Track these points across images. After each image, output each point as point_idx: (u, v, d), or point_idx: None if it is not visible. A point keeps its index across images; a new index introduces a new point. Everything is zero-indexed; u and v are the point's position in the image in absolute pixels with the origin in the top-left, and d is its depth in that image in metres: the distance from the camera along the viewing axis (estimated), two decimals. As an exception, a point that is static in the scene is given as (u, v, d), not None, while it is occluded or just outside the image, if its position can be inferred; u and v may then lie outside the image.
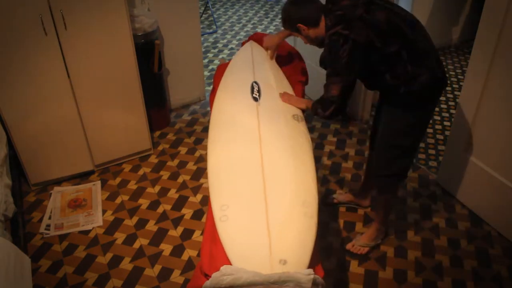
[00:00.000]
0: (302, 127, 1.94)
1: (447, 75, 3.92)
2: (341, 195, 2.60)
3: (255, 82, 2.11)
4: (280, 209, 1.55)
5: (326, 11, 1.85)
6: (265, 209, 1.56)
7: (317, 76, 2.63)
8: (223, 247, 1.47)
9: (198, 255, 2.28)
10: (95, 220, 2.51)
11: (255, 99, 2.02)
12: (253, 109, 1.97)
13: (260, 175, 1.69)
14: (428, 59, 1.85)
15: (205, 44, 4.56)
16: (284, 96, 2.07)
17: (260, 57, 2.29)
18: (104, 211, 2.58)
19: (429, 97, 1.92)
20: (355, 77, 1.85)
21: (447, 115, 3.41)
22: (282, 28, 2.11)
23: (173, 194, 2.70)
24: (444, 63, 4.13)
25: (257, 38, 2.46)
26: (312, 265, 1.43)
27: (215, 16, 5.26)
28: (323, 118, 1.94)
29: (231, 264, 1.41)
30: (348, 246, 2.30)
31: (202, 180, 2.79)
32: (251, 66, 2.25)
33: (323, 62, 1.93)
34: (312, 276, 1.34)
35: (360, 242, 2.29)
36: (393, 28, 1.79)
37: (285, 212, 1.56)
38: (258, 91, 2.07)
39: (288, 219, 1.54)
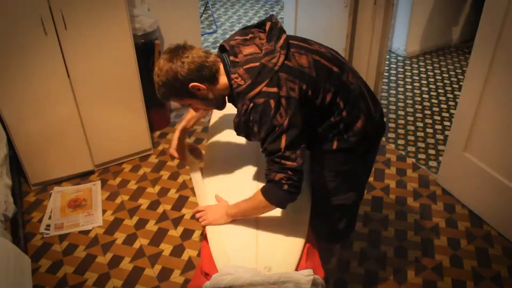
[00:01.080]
0: None
1: (445, 74, 3.94)
2: None
3: None
4: (271, 215, 1.54)
5: (226, 63, 1.46)
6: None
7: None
8: (210, 248, 1.47)
9: (198, 255, 2.28)
10: (95, 220, 2.51)
11: None
12: None
13: (256, 179, 1.69)
14: (364, 100, 1.57)
15: (205, 44, 4.56)
16: (206, 212, 1.60)
17: None
18: (104, 211, 2.57)
19: (366, 145, 1.63)
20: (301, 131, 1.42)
21: (447, 115, 3.41)
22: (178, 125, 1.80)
23: (173, 194, 2.69)
24: (444, 63, 4.14)
25: None
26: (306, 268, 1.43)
27: (215, 16, 5.26)
28: (280, 205, 1.46)
29: (215, 266, 1.41)
30: None
31: (202, 180, 2.79)
32: None
33: (241, 131, 1.49)
34: (311, 277, 1.34)
35: None
36: (322, 71, 1.47)
37: (276, 218, 1.56)
38: None
39: (278, 226, 1.54)
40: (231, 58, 1.45)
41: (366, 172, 1.78)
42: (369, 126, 1.57)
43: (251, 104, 1.38)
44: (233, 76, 1.42)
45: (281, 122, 1.36)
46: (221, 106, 1.55)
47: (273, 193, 1.42)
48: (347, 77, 1.53)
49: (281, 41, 1.43)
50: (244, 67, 1.41)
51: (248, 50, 1.44)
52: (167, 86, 1.42)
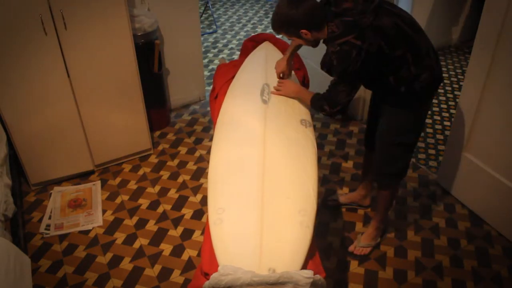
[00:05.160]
0: (309, 132, 1.92)
1: (445, 74, 3.94)
2: (341, 196, 2.59)
3: (266, 84, 2.10)
4: (276, 216, 1.54)
5: (330, 15, 1.79)
6: (260, 216, 1.55)
7: (316, 74, 2.64)
8: (214, 251, 1.47)
9: (198, 255, 2.28)
10: (95, 220, 2.51)
11: (264, 102, 2.01)
12: (261, 111, 1.95)
13: (260, 180, 1.68)
14: (429, 58, 1.86)
15: (205, 44, 4.56)
16: (284, 85, 2.07)
17: (274, 59, 2.26)
18: (104, 211, 2.58)
19: (428, 95, 1.94)
20: (362, 81, 1.92)
21: (447, 115, 3.41)
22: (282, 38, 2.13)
23: (173, 194, 2.70)
24: (444, 63, 4.14)
25: (263, 39, 2.50)
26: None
27: (215, 16, 5.26)
28: (326, 115, 1.98)
29: (215, 266, 1.41)
30: (351, 249, 2.29)
31: (202, 180, 2.79)
32: (264, 67, 2.24)
33: (325, 66, 1.87)
34: (311, 280, 1.33)
35: (361, 243, 2.28)
36: (400, 32, 1.77)
37: (281, 220, 1.55)
38: (269, 93, 2.06)
39: (283, 227, 1.53)
40: (333, 8, 1.79)
41: (422, 117, 2.02)
42: (431, 79, 1.87)
43: (338, 48, 1.74)
44: (330, 24, 1.78)
45: (353, 69, 1.73)
46: (315, 45, 1.91)
47: (324, 100, 1.92)
48: (419, 40, 1.83)
49: (375, 3, 1.74)
50: (341, 18, 1.75)
51: (346, 5, 1.77)
52: (281, 24, 1.81)
